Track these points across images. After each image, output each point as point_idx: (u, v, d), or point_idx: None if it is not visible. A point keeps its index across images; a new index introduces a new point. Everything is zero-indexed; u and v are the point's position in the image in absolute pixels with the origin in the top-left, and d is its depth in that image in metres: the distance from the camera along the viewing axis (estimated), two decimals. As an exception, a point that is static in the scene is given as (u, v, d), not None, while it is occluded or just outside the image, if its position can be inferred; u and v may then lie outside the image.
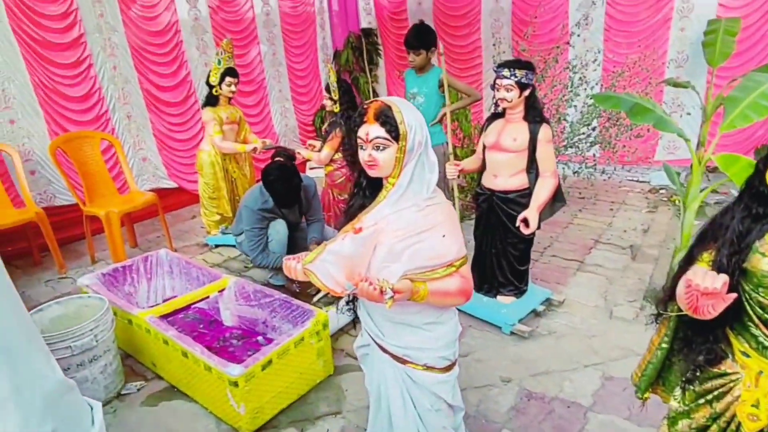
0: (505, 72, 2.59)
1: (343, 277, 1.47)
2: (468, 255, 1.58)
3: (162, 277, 3.22)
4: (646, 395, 1.59)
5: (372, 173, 1.48)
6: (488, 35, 5.84)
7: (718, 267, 1.27)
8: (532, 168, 2.71)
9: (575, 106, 4.40)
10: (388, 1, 6.48)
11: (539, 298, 2.97)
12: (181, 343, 2.28)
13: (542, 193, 2.64)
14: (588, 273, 3.42)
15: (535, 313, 2.92)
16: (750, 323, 1.26)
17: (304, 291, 3.29)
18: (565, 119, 4.43)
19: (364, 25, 6.72)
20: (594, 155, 4.72)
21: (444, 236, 1.47)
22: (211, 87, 3.89)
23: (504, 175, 2.75)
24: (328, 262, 1.48)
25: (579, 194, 4.97)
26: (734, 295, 1.14)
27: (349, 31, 6.63)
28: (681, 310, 1.32)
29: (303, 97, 6.48)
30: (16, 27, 3.96)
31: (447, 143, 3.13)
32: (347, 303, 1.73)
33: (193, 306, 2.80)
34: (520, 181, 2.74)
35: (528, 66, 2.63)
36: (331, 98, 3.66)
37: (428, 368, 1.61)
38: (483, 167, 2.87)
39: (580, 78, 4.44)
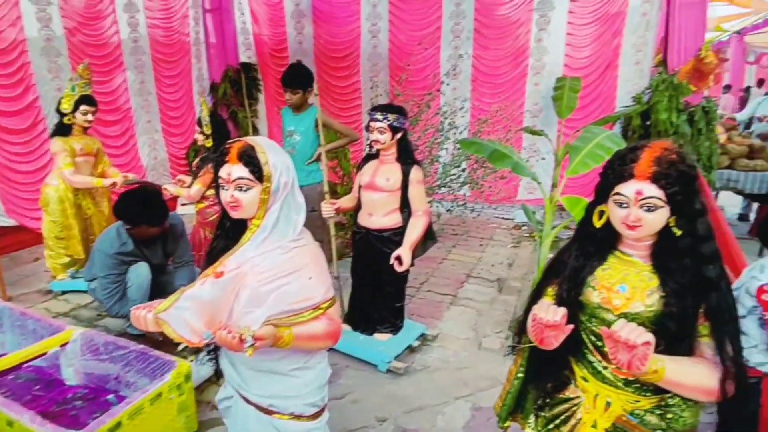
0: (378, 116, 2.68)
1: (202, 325, 1.37)
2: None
3: (-12, 332, 2.73)
4: (506, 424, 1.66)
5: (234, 215, 1.41)
6: (367, 78, 6.07)
7: (559, 301, 1.39)
8: (405, 207, 2.81)
9: (446, 148, 4.70)
10: (269, 37, 6.47)
11: (414, 334, 3.02)
12: (5, 410, 1.92)
13: (414, 231, 2.73)
14: (460, 306, 3.58)
15: (411, 349, 2.96)
16: (586, 351, 1.38)
17: (168, 339, 3.00)
18: (437, 161, 4.70)
19: (243, 59, 6.61)
20: (464, 194, 5.04)
21: (311, 278, 1.43)
22: (62, 115, 3.51)
23: (378, 213, 2.81)
24: (184, 309, 1.37)
25: (453, 231, 5.26)
26: (571, 326, 1.25)
27: (227, 64, 6.46)
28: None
29: (175, 129, 6.12)
30: None
31: (323, 182, 3.11)
32: (208, 352, 1.60)
33: (26, 365, 2.40)
34: (394, 220, 2.81)
35: (400, 111, 2.75)
36: (202, 132, 3.50)
37: (295, 417, 1.53)
38: (359, 206, 2.91)
39: (450, 123, 4.77)
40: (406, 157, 2.78)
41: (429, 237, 2.92)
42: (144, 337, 2.97)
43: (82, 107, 3.50)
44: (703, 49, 4.52)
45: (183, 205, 5.60)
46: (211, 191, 3.55)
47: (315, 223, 3.38)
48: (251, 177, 1.36)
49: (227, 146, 1.40)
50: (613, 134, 3.12)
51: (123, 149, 5.44)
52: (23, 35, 4.45)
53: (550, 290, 1.46)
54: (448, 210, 5.05)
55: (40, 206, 3.65)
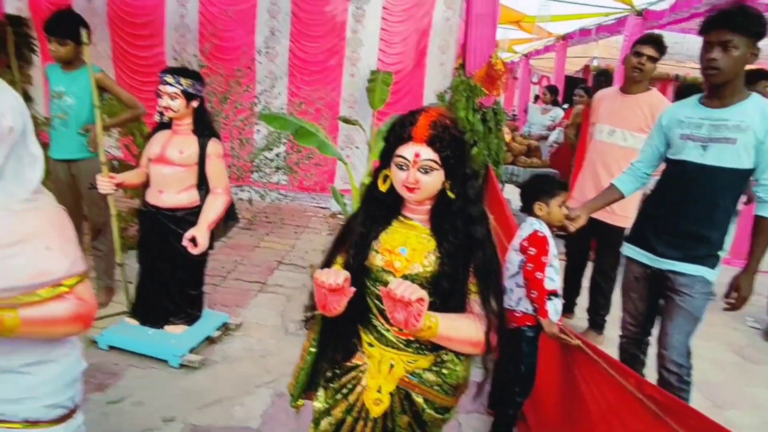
0: (168, 78, 2.39)
1: None
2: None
3: None
4: (299, 402, 1.58)
5: None
6: (171, 50, 5.50)
7: (346, 267, 1.35)
8: (203, 184, 2.56)
9: (260, 131, 4.49)
10: (48, -11, 5.44)
11: (214, 324, 2.78)
12: None
13: (212, 210, 2.50)
14: (269, 294, 3.43)
15: (210, 340, 2.71)
16: (371, 315, 1.36)
17: None
18: (248, 143, 4.47)
19: (10, 10, 5.43)
20: (278, 182, 4.90)
21: (48, 249, 1.15)
22: None
23: (171, 191, 2.51)
24: None
25: (266, 218, 5.06)
26: (353, 289, 1.21)
27: (-13, 15, 5.24)
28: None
29: None
30: None
31: (100, 153, 2.64)
32: None
33: None
34: (190, 198, 2.54)
35: (195, 75, 2.49)
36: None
37: (30, 424, 1.22)
38: (148, 182, 2.56)
39: (265, 105, 4.57)
40: (203, 128, 2.54)
41: (230, 217, 2.71)
42: None
43: None
44: (493, 56, 5.10)
45: None
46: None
47: (96, 203, 2.90)
48: None
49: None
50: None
51: None
52: None
53: (340, 258, 1.42)
54: (261, 196, 4.84)
55: None
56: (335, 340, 1.46)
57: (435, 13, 5.38)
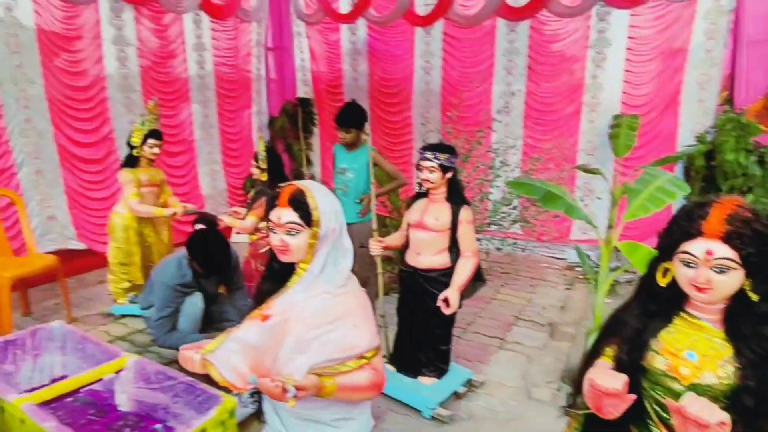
0: (428, 155, 2.68)
1: (247, 369, 1.37)
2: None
3: (52, 354, 2.87)
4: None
5: (283, 258, 1.43)
6: (418, 114, 6.14)
7: (618, 364, 1.30)
8: (454, 247, 2.76)
9: (497, 186, 4.63)
10: (326, 74, 6.70)
11: (460, 380, 2.92)
12: (61, 435, 1.99)
13: (463, 272, 2.68)
14: (508, 351, 3.45)
15: (456, 395, 2.86)
16: (650, 421, 1.27)
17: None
18: (488, 198, 4.64)
19: (300, 94, 6.86)
20: (514, 232, 4.93)
21: (356, 326, 1.42)
22: (132, 147, 3.74)
23: (426, 253, 2.78)
24: (231, 352, 1.38)
25: (501, 269, 5.12)
26: (633, 396, 1.16)
27: (285, 99, 6.73)
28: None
29: (234, 160, 6.39)
30: None
31: (372, 219, 3.13)
32: (252, 394, 1.61)
33: (84, 388, 2.50)
34: (442, 260, 2.77)
35: (450, 150, 2.74)
36: (258, 166, 3.62)
37: (333, 470, 1.49)
38: (407, 244, 2.89)
39: (501, 161, 4.71)
40: (456, 196, 2.76)
41: (478, 278, 2.85)
42: (193, 367, 3.03)
43: (150, 140, 3.72)
44: (773, 87, 4.28)
45: (237, 234, 5.77)
46: (264, 224, 3.65)
47: (364, 260, 3.40)
48: (300, 222, 1.38)
49: (279, 190, 1.43)
50: (674, 177, 2.97)
51: (185, 179, 5.72)
52: (104, 73, 4.82)
53: (609, 350, 1.37)
54: (497, 248, 4.93)
55: (108, 232, 3.86)
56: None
57: (692, 45, 4.79)
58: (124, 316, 3.84)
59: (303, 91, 6.94)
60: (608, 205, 4.73)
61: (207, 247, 2.86)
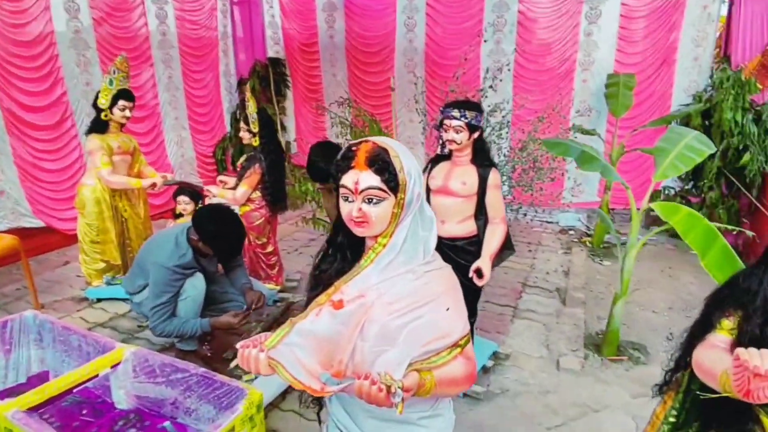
0: (455, 113, 2.42)
1: (317, 365, 1.12)
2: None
3: (27, 348, 2.50)
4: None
5: (359, 232, 1.16)
6: (401, 74, 5.80)
7: (749, 338, 1.14)
8: (481, 214, 2.55)
9: (500, 147, 4.43)
10: (298, 32, 6.22)
11: (487, 352, 2.77)
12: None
13: (494, 240, 2.47)
14: (524, 320, 3.32)
15: (484, 370, 2.71)
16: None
17: (219, 355, 2.77)
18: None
19: (271, 54, 6.36)
20: (513, 198, 4.78)
21: (448, 310, 1.18)
22: (99, 111, 3.26)
23: (452, 221, 2.55)
24: (296, 346, 1.13)
25: (496, 235, 4.98)
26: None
27: (255, 59, 6.22)
28: (697, 382, 1.18)
29: (202, 126, 5.89)
30: None
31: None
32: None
33: (78, 387, 2.16)
34: (469, 228, 2.55)
35: (477, 107, 2.49)
36: (249, 130, 3.25)
37: (420, 473, 1.28)
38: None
39: (500, 122, 4.50)
40: (483, 158, 2.52)
41: (507, 246, 2.65)
42: (194, 353, 2.72)
43: (120, 102, 3.26)
44: (772, 44, 4.25)
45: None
46: (257, 194, 3.31)
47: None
48: (384, 187, 1.11)
49: (353, 148, 1.15)
50: (700, 135, 2.84)
51: (150, 147, 5.21)
52: (51, 27, 4.22)
53: (726, 322, 1.22)
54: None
55: (76, 207, 3.41)
56: (723, 421, 1.25)
57: (688, 1, 4.68)
58: (100, 299, 3.44)
59: (274, 50, 6.44)
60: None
61: (222, 226, 2.47)
